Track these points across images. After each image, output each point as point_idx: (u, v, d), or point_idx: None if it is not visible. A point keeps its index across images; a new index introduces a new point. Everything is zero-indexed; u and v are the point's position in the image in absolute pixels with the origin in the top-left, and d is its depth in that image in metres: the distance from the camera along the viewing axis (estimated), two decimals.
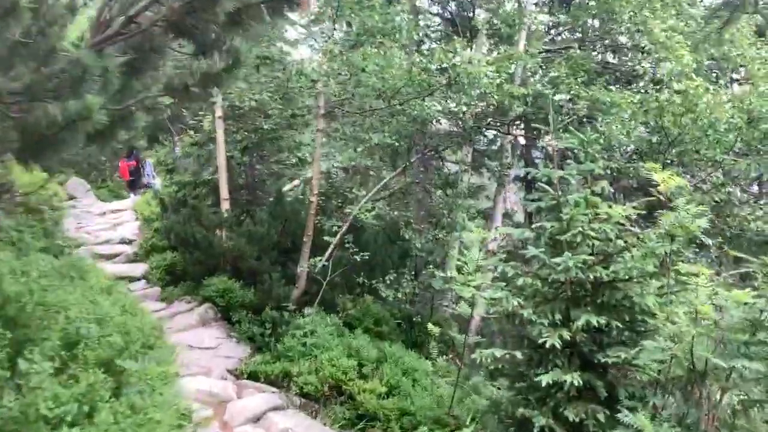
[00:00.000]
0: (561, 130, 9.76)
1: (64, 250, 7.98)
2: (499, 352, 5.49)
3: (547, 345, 5.37)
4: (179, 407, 4.84)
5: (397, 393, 8.25)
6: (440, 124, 12.20)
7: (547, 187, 6.19)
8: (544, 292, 6.06)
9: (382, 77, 8.58)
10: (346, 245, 9.99)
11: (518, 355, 5.50)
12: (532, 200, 6.18)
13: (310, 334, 8.95)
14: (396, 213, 10.57)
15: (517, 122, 11.99)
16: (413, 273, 10.99)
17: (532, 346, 6.00)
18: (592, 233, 5.61)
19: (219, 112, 10.69)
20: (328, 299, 10.03)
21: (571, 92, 9.45)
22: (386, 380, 8.37)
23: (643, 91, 10.44)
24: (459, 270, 7.68)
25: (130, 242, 13.30)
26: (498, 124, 11.82)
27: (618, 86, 11.30)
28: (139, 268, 11.70)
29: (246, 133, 12.03)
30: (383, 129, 9.79)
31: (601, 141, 8.87)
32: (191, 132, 13.89)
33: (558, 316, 5.77)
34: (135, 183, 18.54)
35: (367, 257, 9.45)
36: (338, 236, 9.66)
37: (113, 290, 6.32)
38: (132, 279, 11.30)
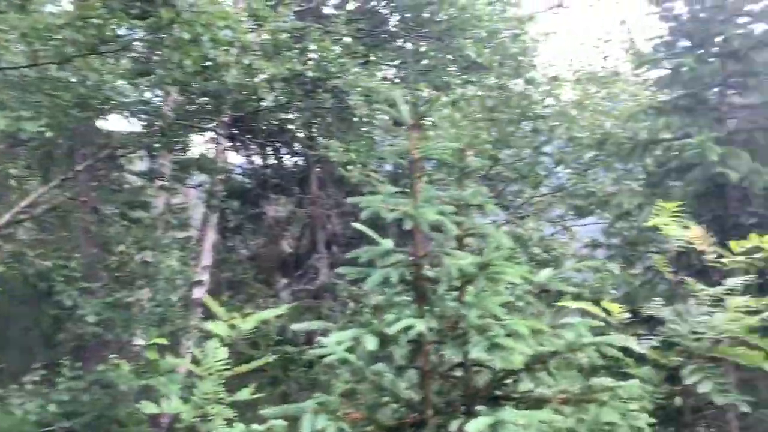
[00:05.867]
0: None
1: None
2: None
3: None
4: None
5: None
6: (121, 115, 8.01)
7: None
8: None
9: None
10: None
11: None
12: None
13: None
14: (44, 259, 5.92)
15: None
16: (77, 357, 6.47)
17: None
18: None
19: None
20: None
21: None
22: None
23: None
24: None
25: None
26: (213, 123, 8.32)
27: None
28: None
29: None
30: (31, 111, 5.23)
31: None
32: None
33: None
34: None
35: None
36: None
37: None
38: None
